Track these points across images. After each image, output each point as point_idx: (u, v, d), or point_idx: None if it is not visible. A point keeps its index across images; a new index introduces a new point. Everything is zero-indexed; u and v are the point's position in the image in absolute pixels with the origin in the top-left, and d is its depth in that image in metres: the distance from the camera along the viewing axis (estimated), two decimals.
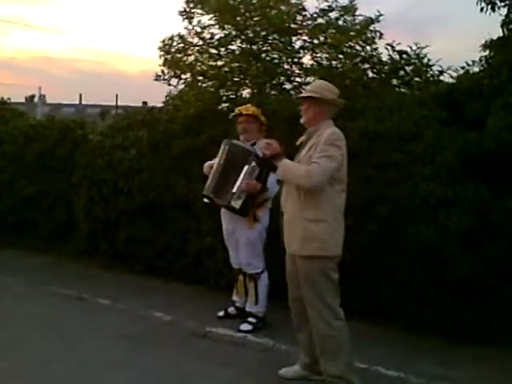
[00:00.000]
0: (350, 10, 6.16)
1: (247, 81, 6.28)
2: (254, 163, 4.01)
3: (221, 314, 4.52)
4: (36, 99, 29.02)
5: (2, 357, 3.73)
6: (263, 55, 6.40)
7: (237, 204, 4.05)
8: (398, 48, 5.83)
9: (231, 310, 4.53)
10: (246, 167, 4.03)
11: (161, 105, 6.62)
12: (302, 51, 6.40)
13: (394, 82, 5.85)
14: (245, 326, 4.23)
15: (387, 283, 4.29)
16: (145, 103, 21.95)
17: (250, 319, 4.27)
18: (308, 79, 6.21)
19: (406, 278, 4.19)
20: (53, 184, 6.42)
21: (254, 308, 4.30)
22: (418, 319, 4.16)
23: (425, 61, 5.73)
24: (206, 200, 4.31)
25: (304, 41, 6.37)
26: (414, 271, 4.16)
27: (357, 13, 6.17)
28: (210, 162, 4.38)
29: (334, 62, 6.12)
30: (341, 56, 6.04)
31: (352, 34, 5.95)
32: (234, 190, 4.03)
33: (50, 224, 6.47)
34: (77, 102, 37.94)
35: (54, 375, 3.52)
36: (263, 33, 6.32)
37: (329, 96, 3.26)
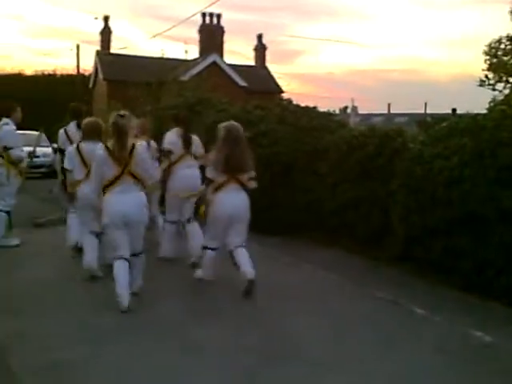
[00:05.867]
0: None
1: None
2: None
3: None
4: (349, 110, 31.01)
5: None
6: None
7: None
8: None
9: None
10: None
11: (481, 111, 6.26)
12: None
13: None
14: None
15: None
16: (454, 110, 20.97)
17: None
18: None
19: None
20: (371, 190, 6.73)
21: None
22: None
23: None
24: None
25: None
26: None
27: None
28: None
29: None
30: None
31: None
32: None
33: (367, 228, 6.79)
34: (385, 112, 38.98)
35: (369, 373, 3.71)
36: None
37: None
